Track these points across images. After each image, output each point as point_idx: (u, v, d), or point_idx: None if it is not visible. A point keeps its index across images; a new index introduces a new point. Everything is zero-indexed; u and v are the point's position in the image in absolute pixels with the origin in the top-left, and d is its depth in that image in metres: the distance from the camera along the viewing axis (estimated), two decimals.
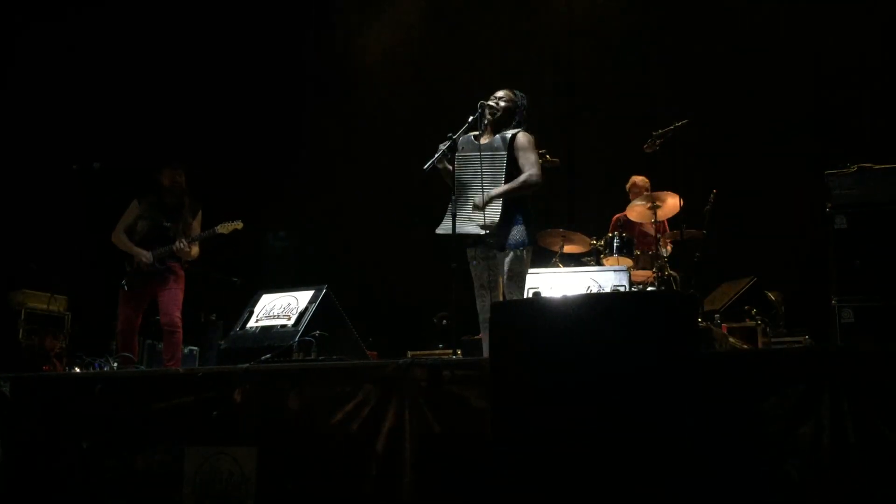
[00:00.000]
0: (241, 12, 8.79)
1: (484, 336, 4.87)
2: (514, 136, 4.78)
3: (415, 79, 9.05)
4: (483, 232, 4.63)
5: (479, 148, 4.82)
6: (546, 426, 2.78)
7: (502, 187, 4.66)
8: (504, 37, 8.69)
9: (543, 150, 5.32)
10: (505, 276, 4.71)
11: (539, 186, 4.76)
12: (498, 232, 4.65)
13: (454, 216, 4.67)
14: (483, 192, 4.68)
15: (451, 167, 4.84)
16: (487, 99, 4.92)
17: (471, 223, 4.69)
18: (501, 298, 4.74)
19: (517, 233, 4.70)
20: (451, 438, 3.46)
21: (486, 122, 4.88)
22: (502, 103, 4.88)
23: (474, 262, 4.90)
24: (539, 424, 2.80)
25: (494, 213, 4.64)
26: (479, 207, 4.64)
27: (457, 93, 8.41)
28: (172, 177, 5.95)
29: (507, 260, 4.69)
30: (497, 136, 4.83)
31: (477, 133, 4.92)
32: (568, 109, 8.31)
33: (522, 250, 4.72)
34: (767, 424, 3.00)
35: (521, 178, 4.69)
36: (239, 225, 5.94)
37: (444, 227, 4.76)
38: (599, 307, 2.85)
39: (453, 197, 4.75)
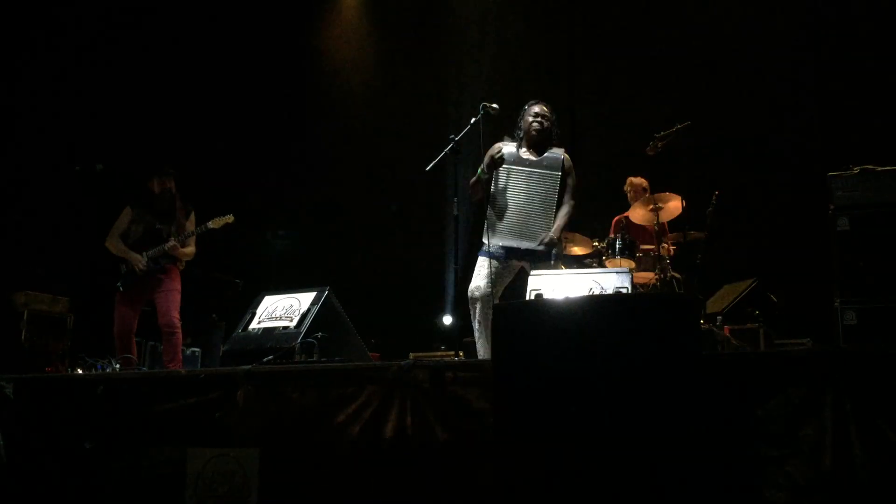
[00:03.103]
0: (242, 11, 8.80)
1: (480, 338, 4.90)
2: (563, 157, 5.02)
3: (417, 80, 9.06)
4: (544, 249, 4.88)
5: (531, 164, 4.99)
6: (548, 428, 2.78)
7: (559, 225, 4.95)
8: (506, 37, 8.69)
9: None
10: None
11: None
12: (538, 250, 4.90)
13: (502, 228, 4.90)
14: (535, 210, 4.93)
15: (498, 166, 4.94)
16: (490, 101, 4.98)
17: (530, 241, 4.90)
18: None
19: (556, 253, 5.00)
20: (454, 440, 3.46)
21: (520, 136, 5.00)
22: (546, 122, 5.04)
23: (497, 271, 4.91)
24: (541, 426, 2.80)
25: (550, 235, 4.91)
26: (555, 244, 4.90)
27: (459, 93, 8.45)
28: (162, 184, 6.00)
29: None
30: (546, 154, 5.00)
31: (516, 145, 5.00)
32: (570, 111, 8.30)
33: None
34: (770, 426, 3.00)
35: (567, 211, 4.99)
36: (230, 218, 5.99)
37: (498, 238, 4.89)
38: (602, 309, 2.84)
39: (494, 206, 4.83)
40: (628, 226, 6.83)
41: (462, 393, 3.48)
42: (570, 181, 5.00)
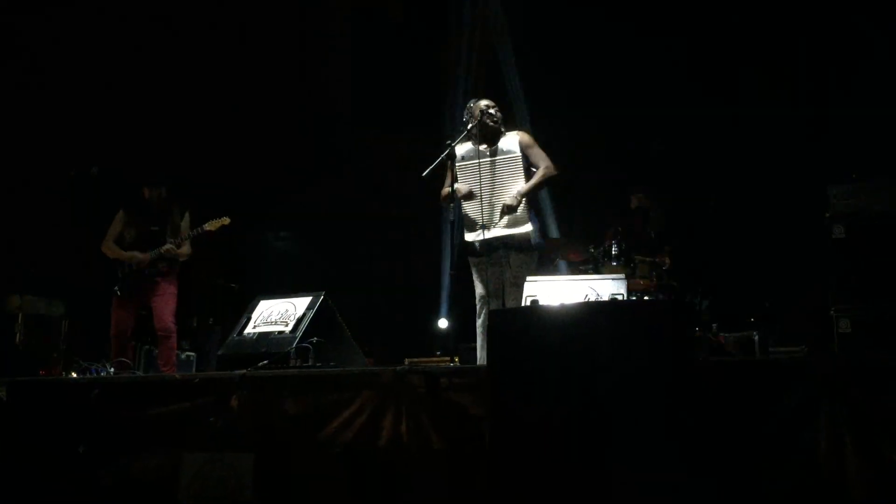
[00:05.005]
0: (245, 12, 8.78)
1: (480, 343, 4.89)
2: (517, 137, 4.95)
3: (409, 91, 9.07)
4: (518, 232, 4.75)
5: (488, 154, 4.91)
6: (543, 434, 2.78)
7: (529, 184, 4.81)
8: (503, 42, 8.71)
9: None
10: (512, 278, 4.78)
11: (557, 176, 4.92)
12: (514, 234, 4.79)
13: (478, 221, 4.79)
14: (503, 196, 4.80)
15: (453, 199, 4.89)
16: (486, 107, 4.97)
17: (501, 227, 4.79)
18: (505, 302, 4.80)
19: (535, 234, 4.87)
20: (449, 446, 3.46)
21: (473, 131, 4.93)
22: (499, 114, 4.98)
23: (480, 269, 4.90)
24: (536, 432, 2.79)
25: (522, 212, 4.79)
26: (513, 209, 4.75)
27: (454, 102, 8.46)
28: (151, 192, 6.01)
29: (525, 260, 4.81)
30: (502, 140, 4.91)
31: (471, 142, 4.96)
32: (566, 116, 8.32)
33: (535, 252, 4.91)
34: (765, 433, 3.00)
35: (540, 172, 4.86)
36: (226, 221, 6.01)
37: (474, 235, 4.79)
38: (597, 315, 2.85)
39: (468, 205, 4.80)
40: (624, 232, 6.83)
41: (457, 399, 3.48)
42: (534, 151, 4.91)
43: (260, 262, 9.26)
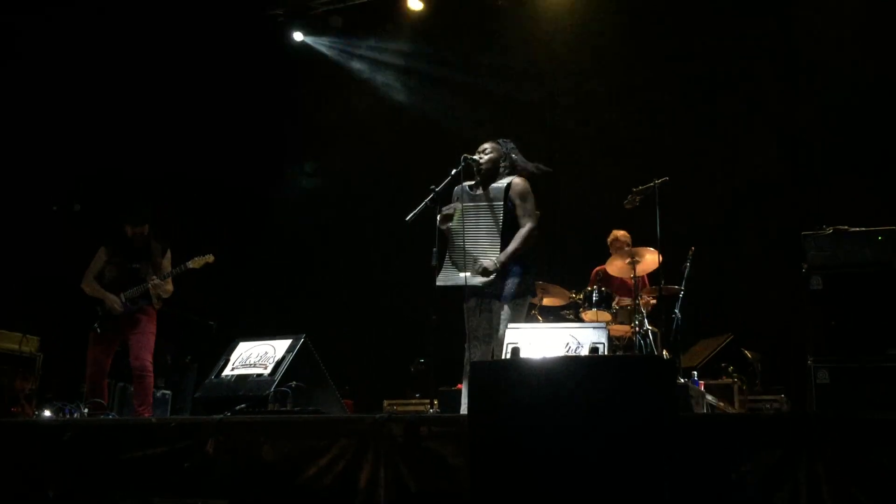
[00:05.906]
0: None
1: (464, 386, 4.82)
2: (509, 183, 4.83)
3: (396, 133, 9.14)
4: (487, 280, 4.62)
5: (478, 198, 4.86)
6: (523, 487, 2.76)
7: (510, 250, 4.65)
8: (486, 86, 8.79)
9: None
10: (500, 328, 4.64)
11: (536, 232, 4.76)
12: (495, 282, 4.63)
13: (453, 266, 4.72)
14: (482, 243, 4.71)
15: (446, 223, 4.83)
16: (473, 152, 4.96)
17: (476, 276, 4.67)
18: (491, 350, 4.72)
19: (512, 285, 4.68)
20: (427, 495, 3.42)
21: (473, 174, 4.91)
22: (486, 156, 4.92)
23: (470, 313, 4.83)
24: (516, 485, 2.77)
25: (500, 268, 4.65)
26: (489, 273, 4.60)
27: (441, 151, 8.49)
28: (133, 230, 5.98)
29: (503, 312, 4.67)
30: (493, 185, 4.87)
31: (472, 183, 4.93)
32: (549, 162, 8.39)
33: (519, 301, 4.72)
34: (744, 489, 3.00)
35: (522, 233, 4.70)
36: (210, 258, 5.97)
37: (445, 279, 4.75)
38: (579, 370, 2.84)
39: (450, 246, 4.77)
40: (606, 278, 6.87)
41: (437, 448, 3.44)
42: (520, 203, 4.75)
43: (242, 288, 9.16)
